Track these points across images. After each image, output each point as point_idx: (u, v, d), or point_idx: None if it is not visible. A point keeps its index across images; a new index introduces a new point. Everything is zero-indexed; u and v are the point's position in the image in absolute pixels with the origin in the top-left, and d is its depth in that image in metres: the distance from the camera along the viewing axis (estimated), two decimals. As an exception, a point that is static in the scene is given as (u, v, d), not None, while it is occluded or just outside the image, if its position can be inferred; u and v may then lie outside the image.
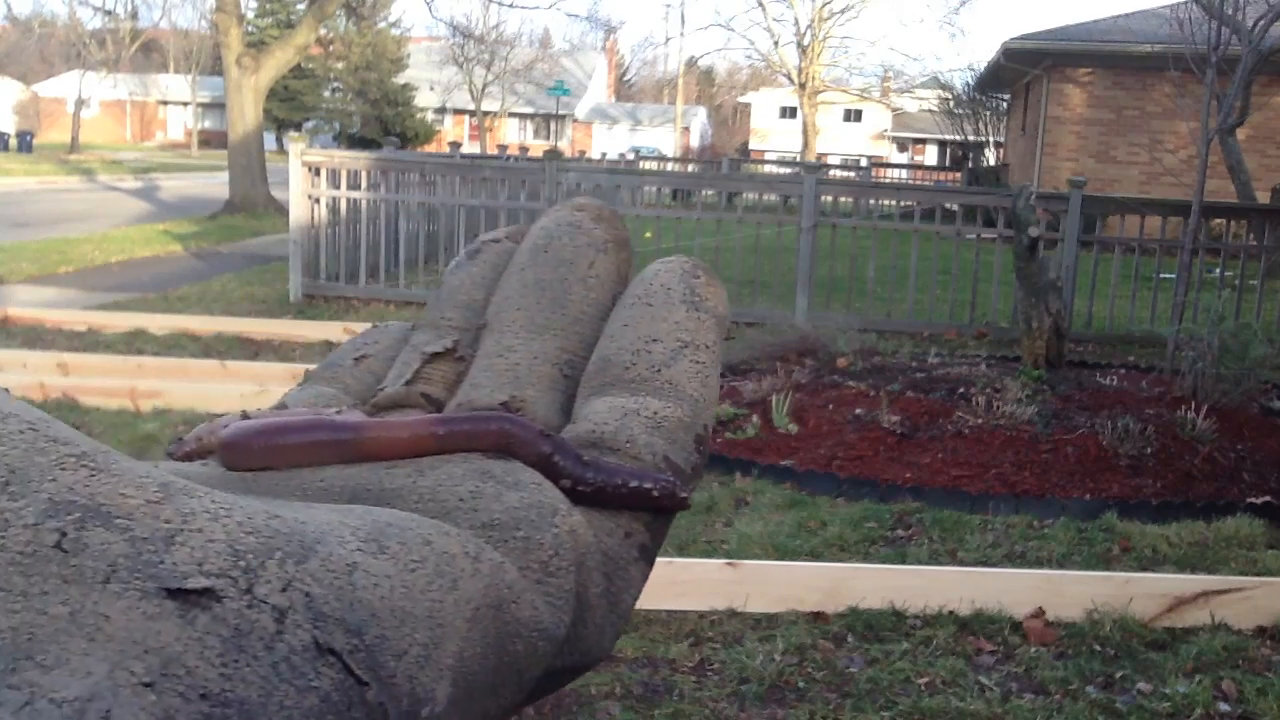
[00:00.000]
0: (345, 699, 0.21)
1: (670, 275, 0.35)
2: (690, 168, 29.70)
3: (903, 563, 3.86)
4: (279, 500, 0.25)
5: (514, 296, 0.35)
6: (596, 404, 0.33)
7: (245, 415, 0.31)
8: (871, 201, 10.26)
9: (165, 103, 55.90)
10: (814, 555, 3.93)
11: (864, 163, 34.60)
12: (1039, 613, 3.42)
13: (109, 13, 47.35)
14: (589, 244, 0.36)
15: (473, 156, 16.85)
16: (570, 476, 0.30)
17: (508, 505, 0.28)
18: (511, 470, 0.29)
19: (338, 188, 9.47)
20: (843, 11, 40.52)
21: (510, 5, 30.98)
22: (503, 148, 24.49)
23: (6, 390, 0.25)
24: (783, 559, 3.84)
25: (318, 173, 9.40)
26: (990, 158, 28.87)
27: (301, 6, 30.91)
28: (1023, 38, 18.16)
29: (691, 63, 58.44)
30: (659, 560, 3.60)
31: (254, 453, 0.28)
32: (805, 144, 36.44)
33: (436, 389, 0.34)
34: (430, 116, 44.70)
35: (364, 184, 9.58)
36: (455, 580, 0.24)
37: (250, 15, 34.83)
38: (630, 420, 0.32)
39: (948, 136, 34.41)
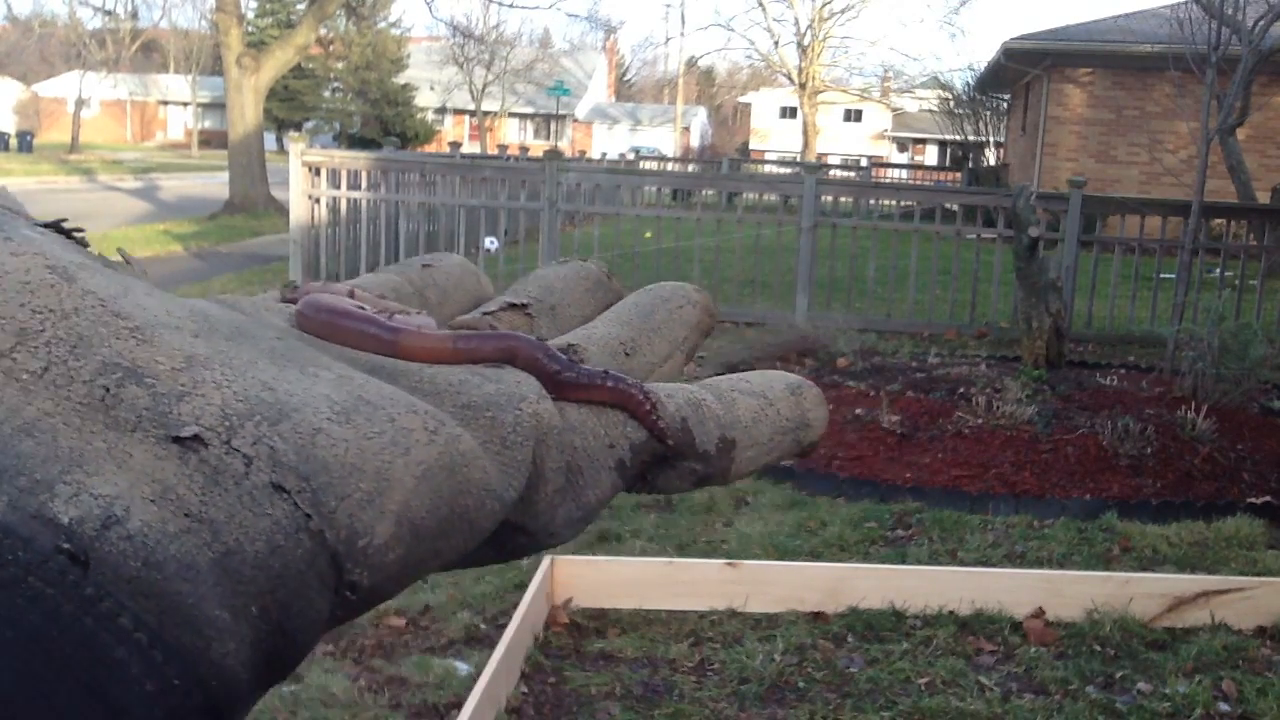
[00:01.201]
0: (293, 524, 0.27)
1: (783, 378, 0.42)
2: (690, 168, 29.70)
3: (903, 563, 3.86)
4: (301, 364, 0.32)
5: (617, 305, 0.43)
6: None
7: (294, 288, 0.38)
8: (871, 201, 10.27)
9: (165, 103, 55.90)
10: (814, 555, 3.93)
11: (864, 163, 34.59)
12: (1039, 613, 3.42)
13: (109, 13, 47.36)
14: (684, 296, 0.43)
15: (473, 156, 16.86)
16: (557, 364, 0.35)
17: (485, 392, 0.34)
18: (501, 372, 0.35)
19: (338, 188, 9.47)
20: (843, 11, 40.56)
21: (510, 5, 31.00)
22: (503, 148, 24.48)
23: (98, 255, 0.33)
24: (783, 559, 3.84)
25: (318, 173, 9.40)
26: (990, 158, 28.85)
27: (301, 6, 30.89)
28: (1023, 38, 18.15)
29: (691, 63, 58.42)
30: (659, 560, 3.61)
31: (314, 324, 0.35)
32: (805, 144, 36.44)
33: (503, 327, 0.40)
34: (430, 116, 44.69)
35: (364, 184, 9.58)
36: (408, 448, 0.30)
37: (250, 15, 34.81)
38: (672, 389, 0.38)
39: (948, 136, 34.39)
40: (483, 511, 0.32)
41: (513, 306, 0.42)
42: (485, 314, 0.41)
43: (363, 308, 0.36)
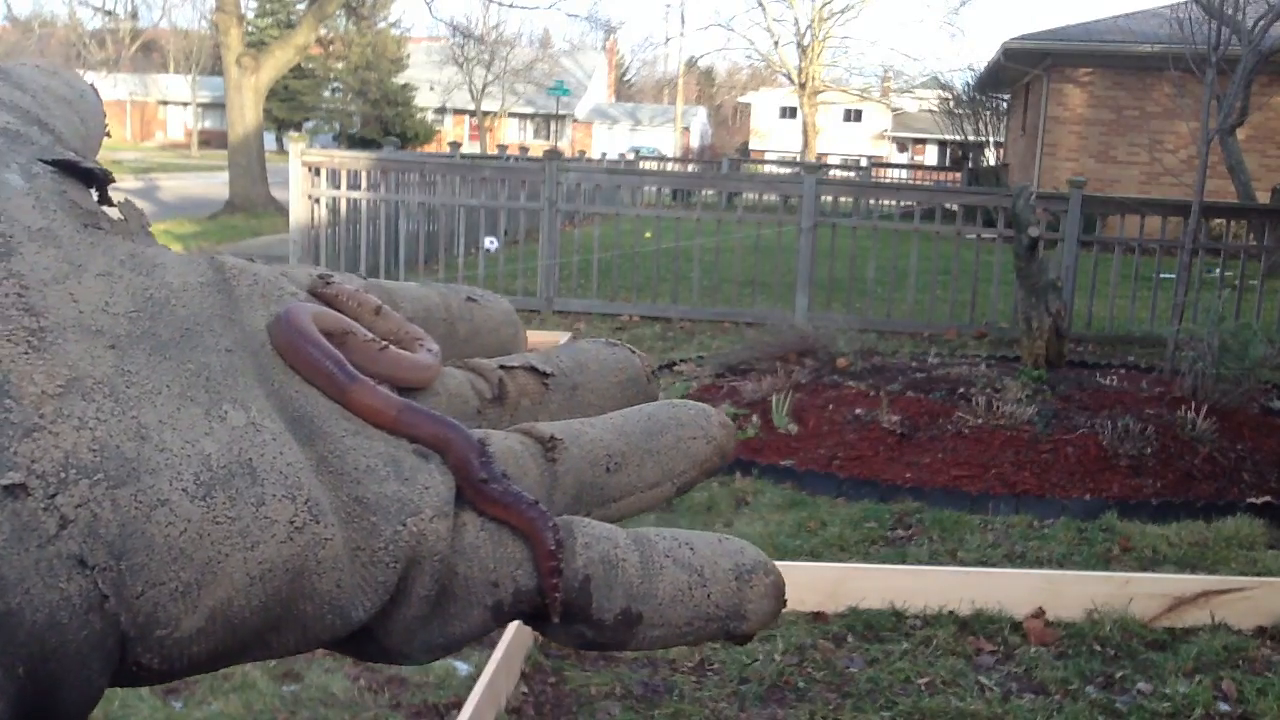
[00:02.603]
0: (84, 604, 0.25)
1: (736, 555, 0.36)
2: (690, 168, 29.69)
3: (903, 563, 3.86)
4: (215, 400, 0.29)
5: (630, 410, 0.39)
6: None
7: (327, 283, 0.36)
8: (871, 201, 10.27)
9: (165, 103, 55.90)
10: (814, 555, 3.93)
11: (864, 163, 34.59)
12: (1039, 613, 3.42)
13: (109, 13, 47.37)
14: (703, 428, 0.39)
15: (473, 156, 16.86)
16: (485, 474, 0.32)
17: (382, 491, 0.31)
18: (420, 467, 0.32)
19: (338, 188, 9.47)
20: (843, 11, 40.55)
21: (510, 5, 31.00)
22: (503, 148, 24.46)
23: (98, 207, 0.31)
24: (783, 559, 3.84)
25: (318, 173, 9.40)
26: (990, 158, 28.86)
27: (301, 6, 30.88)
28: (1023, 38, 18.15)
29: (691, 63, 58.46)
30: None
31: (280, 341, 0.33)
32: (805, 144, 36.43)
33: (513, 387, 0.38)
34: (430, 116, 44.68)
35: (364, 184, 9.58)
36: (256, 543, 0.28)
37: (250, 15, 34.80)
38: (596, 536, 0.34)
39: (948, 136, 34.41)
40: (321, 624, 0.30)
41: (533, 370, 0.38)
42: (502, 367, 0.38)
43: (353, 330, 0.35)
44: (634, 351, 0.41)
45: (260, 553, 0.28)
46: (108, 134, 0.37)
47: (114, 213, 0.32)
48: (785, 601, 0.37)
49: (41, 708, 0.25)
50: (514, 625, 2.96)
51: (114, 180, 0.33)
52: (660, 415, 0.38)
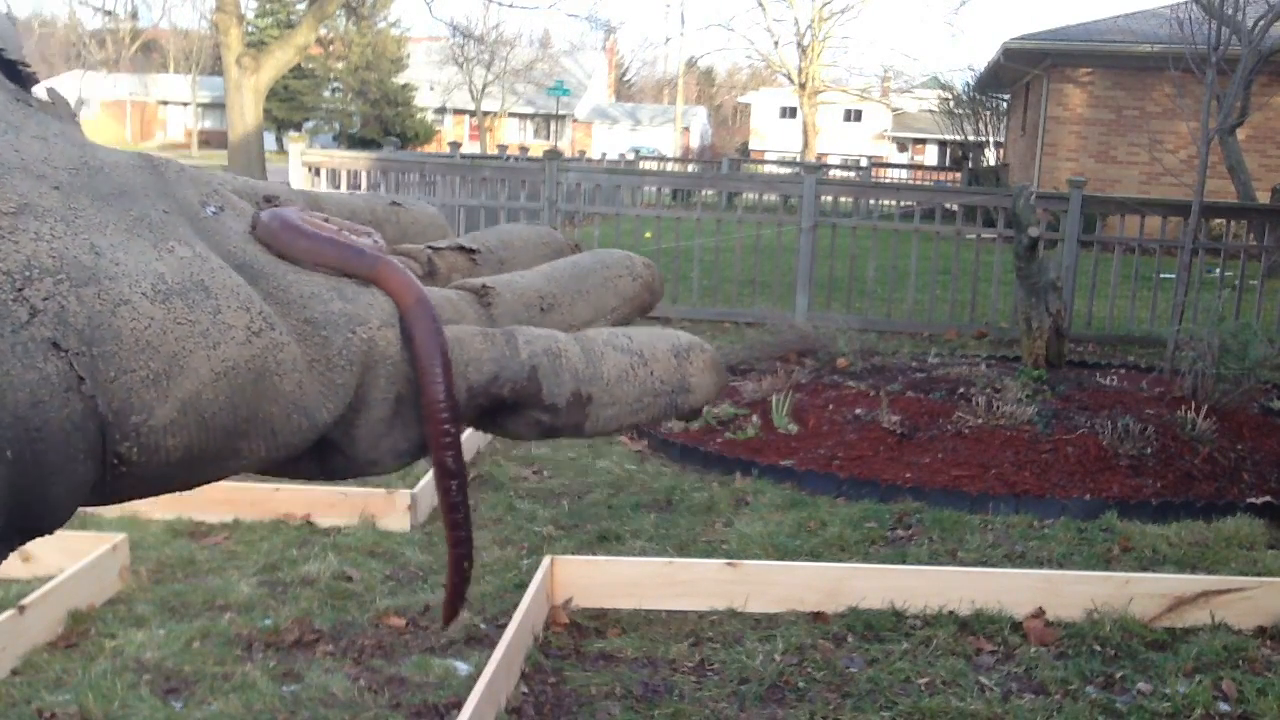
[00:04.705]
0: (63, 383, 0.27)
1: (673, 338, 0.40)
2: (690, 168, 29.67)
3: (903, 563, 3.86)
4: (160, 239, 0.31)
5: (559, 261, 0.42)
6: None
7: (275, 199, 0.39)
8: (871, 201, 10.27)
9: (165, 103, 55.86)
10: (814, 555, 3.93)
11: (864, 163, 34.57)
12: (1039, 613, 3.42)
13: (109, 13, 47.36)
14: (627, 267, 0.42)
15: (473, 156, 16.85)
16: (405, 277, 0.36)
17: (329, 309, 0.34)
18: (361, 290, 0.35)
19: (338, 188, 9.47)
20: (843, 11, 40.54)
21: (510, 5, 30.99)
22: (503, 148, 24.45)
23: (20, 94, 0.33)
24: (783, 559, 3.84)
25: (318, 173, 9.40)
26: (990, 158, 28.85)
27: (301, 6, 30.87)
28: (1023, 38, 18.14)
29: (691, 63, 58.43)
30: (659, 560, 3.61)
31: (272, 232, 0.35)
32: (805, 144, 36.43)
33: (442, 264, 0.41)
34: (430, 116, 44.66)
35: (364, 184, 9.58)
36: (217, 343, 0.30)
37: (250, 15, 34.79)
38: (536, 335, 0.37)
39: (948, 136, 34.38)
40: (289, 425, 0.32)
41: (461, 249, 0.41)
42: (431, 248, 0.41)
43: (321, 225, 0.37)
44: (556, 228, 0.46)
45: (222, 351, 0.30)
46: (25, 64, 0.38)
47: (42, 94, 0.35)
48: (726, 379, 0.41)
49: (32, 498, 0.27)
50: (513, 626, 2.96)
51: (39, 81, 0.35)
52: (585, 261, 0.42)
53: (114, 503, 0.31)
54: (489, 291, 0.38)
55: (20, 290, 0.27)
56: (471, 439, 4.95)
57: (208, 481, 0.32)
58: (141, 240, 0.31)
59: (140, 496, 0.31)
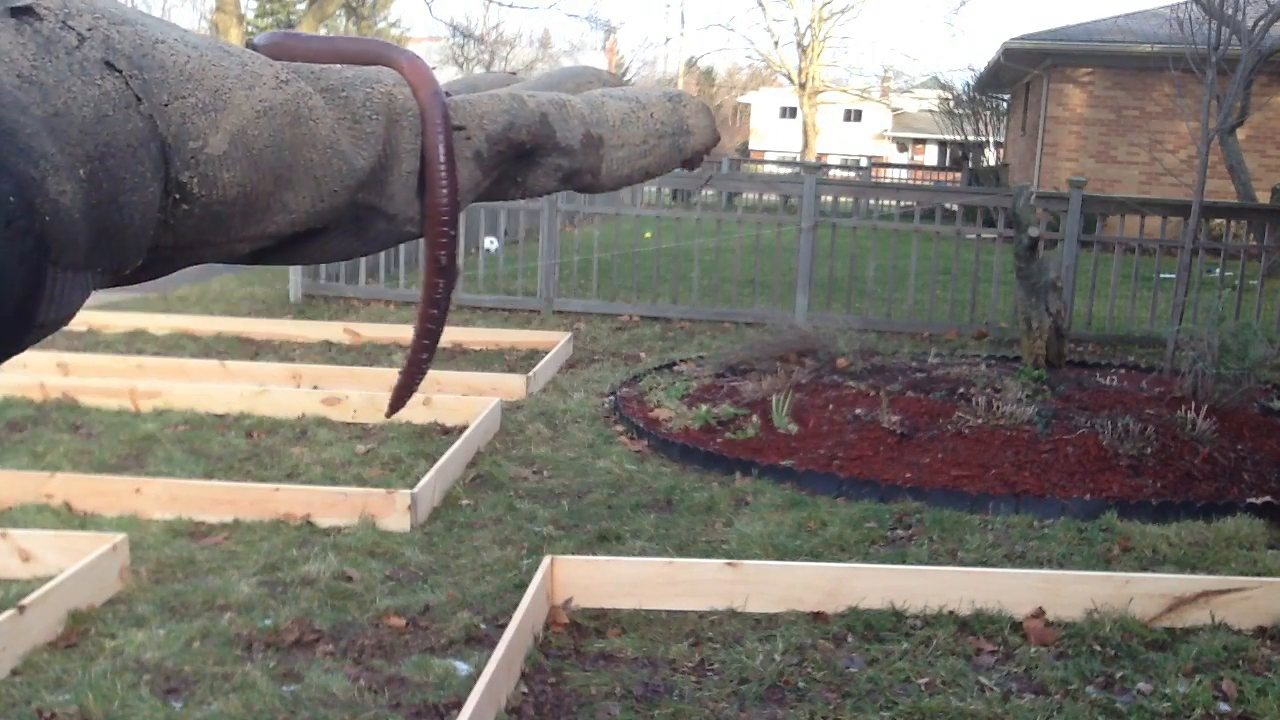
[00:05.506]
0: (123, 100, 0.29)
1: (663, 89, 0.46)
2: (690, 168, 29.60)
3: (903, 563, 3.85)
4: (175, 26, 0.33)
5: (553, 70, 0.47)
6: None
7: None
8: (871, 201, 10.27)
9: (165, 103, 55.95)
10: (814, 555, 3.93)
11: (864, 163, 34.54)
12: (1039, 613, 3.42)
13: (109, 13, 47.40)
14: (597, 74, 0.48)
15: (473, 156, 16.86)
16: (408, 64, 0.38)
17: (345, 77, 0.37)
18: (369, 67, 0.38)
19: (338, 188, 9.47)
20: (843, 11, 40.52)
21: (510, 5, 30.98)
22: (503, 148, 24.42)
23: None
24: (783, 559, 3.84)
25: (318, 173, 9.39)
26: (990, 158, 28.84)
27: (301, 6, 30.84)
28: (1023, 38, 18.14)
29: (691, 63, 58.36)
30: (659, 560, 3.60)
31: (287, 45, 0.38)
32: (805, 144, 36.42)
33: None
34: (430, 116, 44.67)
35: (364, 184, 9.58)
36: (252, 86, 0.32)
37: (250, 15, 34.75)
38: (539, 94, 0.40)
39: (948, 136, 34.36)
40: (330, 170, 0.34)
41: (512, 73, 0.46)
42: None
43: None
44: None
45: (258, 93, 0.32)
46: None
47: None
48: (716, 125, 0.46)
49: (108, 219, 0.28)
50: (513, 626, 2.96)
51: None
52: (572, 69, 0.47)
53: (179, 256, 0.31)
54: (517, 73, 0.41)
55: (64, 20, 0.29)
56: (472, 439, 4.95)
57: (263, 235, 0.34)
58: (163, 25, 0.33)
59: (203, 245, 0.33)
